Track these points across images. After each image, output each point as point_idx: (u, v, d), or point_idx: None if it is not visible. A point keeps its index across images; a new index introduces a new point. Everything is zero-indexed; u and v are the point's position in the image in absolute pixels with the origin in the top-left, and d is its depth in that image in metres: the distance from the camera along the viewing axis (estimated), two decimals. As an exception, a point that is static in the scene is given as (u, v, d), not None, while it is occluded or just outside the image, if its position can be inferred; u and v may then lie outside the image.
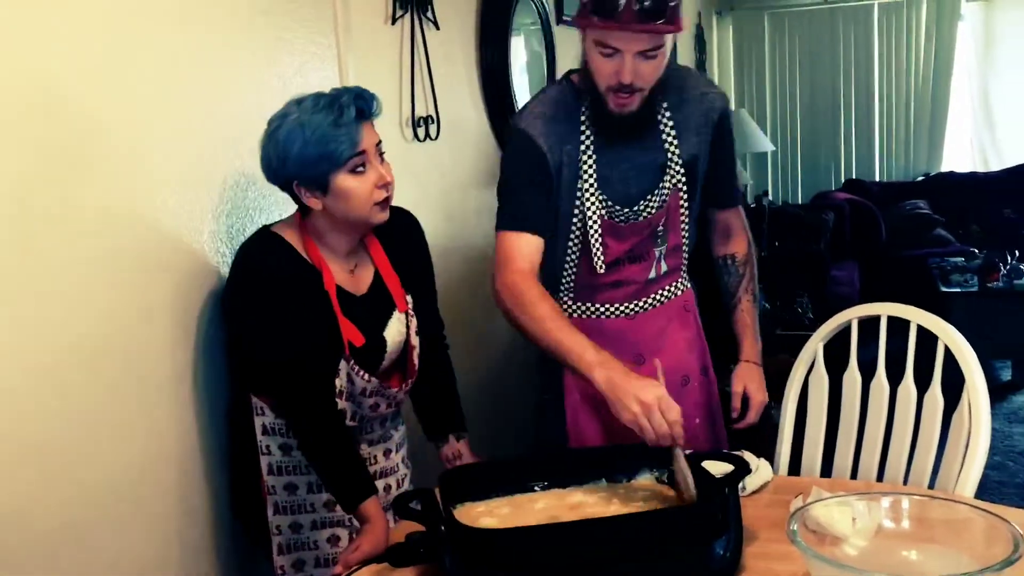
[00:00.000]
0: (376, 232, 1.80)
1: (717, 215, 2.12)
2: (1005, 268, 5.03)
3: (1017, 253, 5.14)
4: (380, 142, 1.69)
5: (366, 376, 1.74)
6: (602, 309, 2.01)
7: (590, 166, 1.88)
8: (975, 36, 6.97)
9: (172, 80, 1.71)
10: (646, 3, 1.67)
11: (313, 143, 1.59)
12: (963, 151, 7.15)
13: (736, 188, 2.14)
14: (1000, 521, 1.27)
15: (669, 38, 1.76)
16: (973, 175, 6.81)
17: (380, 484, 1.81)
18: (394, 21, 2.51)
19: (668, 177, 1.92)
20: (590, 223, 1.89)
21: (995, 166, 6.89)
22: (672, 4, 1.70)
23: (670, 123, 1.91)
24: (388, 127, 2.48)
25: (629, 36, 1.71)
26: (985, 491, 1.81)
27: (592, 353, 1.62)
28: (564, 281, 1.99)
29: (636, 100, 1.80)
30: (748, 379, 2.08)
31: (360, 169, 1.64)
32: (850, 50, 7.19)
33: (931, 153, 7.09)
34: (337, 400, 1.72)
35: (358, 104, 1.63)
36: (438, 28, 2.67)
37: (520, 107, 1.97)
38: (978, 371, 1.82)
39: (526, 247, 1.82)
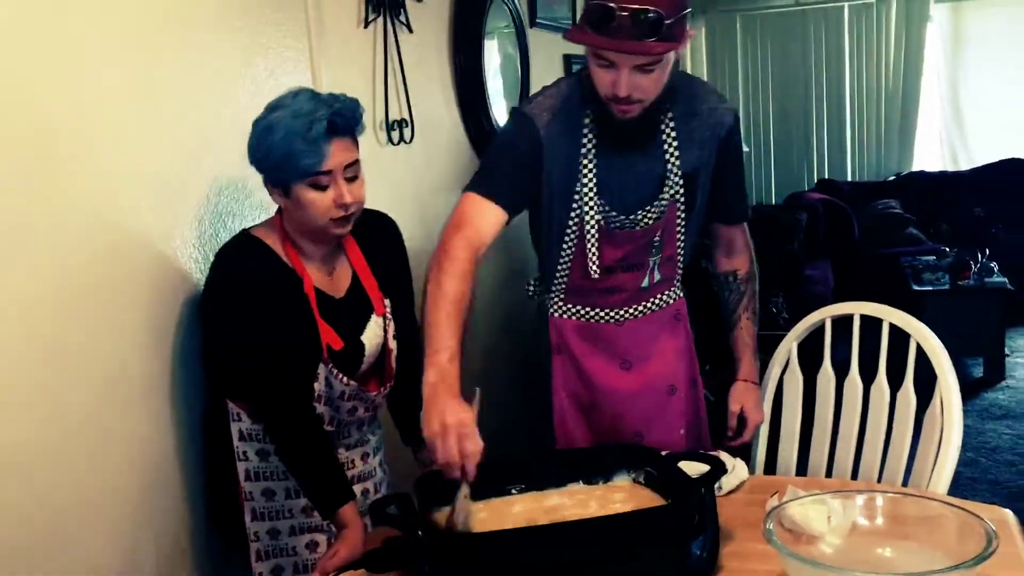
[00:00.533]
0: (354, 235, 1.79)
1: (721, 230, 2.10)
2: (976, 266, 5.09)
3: (988, 251, 5.20)
4: (355, 162, 1.67)
5: (345, 379, 1.74)
6: (592, 313, 2.00)
7: (590, 170, 1.86)
8: (944, 37, 7.06)
9: (144, 84, 1.69)
10: (643, 18, 1.63)
11: (279, 148, 1.59)
12: (933, 150, 7.24)
13: (743, 205, 2.12)
14: (973, 517, 1.28)
15: (671, 52, 1.72)
16: (943, 174, 6.90)
17: (358, 489, 1.80)
18: (367, 24, 2.50)
19: (667, 189, 1.90)
20: (587, 227, 1.88)
21: (964, 165, 6.98)
22: (668, 21, 1.65)
23: (673, 134, 1.88)
24: (364, 132, 2.47)
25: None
26: (958, 487, 1.83)
27: (445, 358, 1.52)
28: (556, 283, 1.99)
29: (637, 109, 1.78)
30: (745, 398, 2.07)
31: (321, 185, 1.63)
32: (821, 51, 7.26)
33: (902, 153, 7.18)
34: (315, 404, 1.71)
35: (334, 120, 1.61)
36: (411, 31, 2.67)
37: (530, 96, 1.95)
38: (950, 368, 1.84)
39: (487, 218, 1.78)
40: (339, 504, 1.62)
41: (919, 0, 6.95)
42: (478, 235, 1.76)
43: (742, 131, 7.24)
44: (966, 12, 6.99)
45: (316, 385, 1.70)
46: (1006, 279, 5.04)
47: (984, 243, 5.44)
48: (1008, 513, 1.58)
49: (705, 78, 7.44)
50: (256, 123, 1.64)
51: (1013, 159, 6.59)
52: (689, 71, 7.22)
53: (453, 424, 1.44)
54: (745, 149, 7.06)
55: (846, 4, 7.15)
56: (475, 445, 1.44)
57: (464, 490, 1.44)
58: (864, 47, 7.17)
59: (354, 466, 1.84)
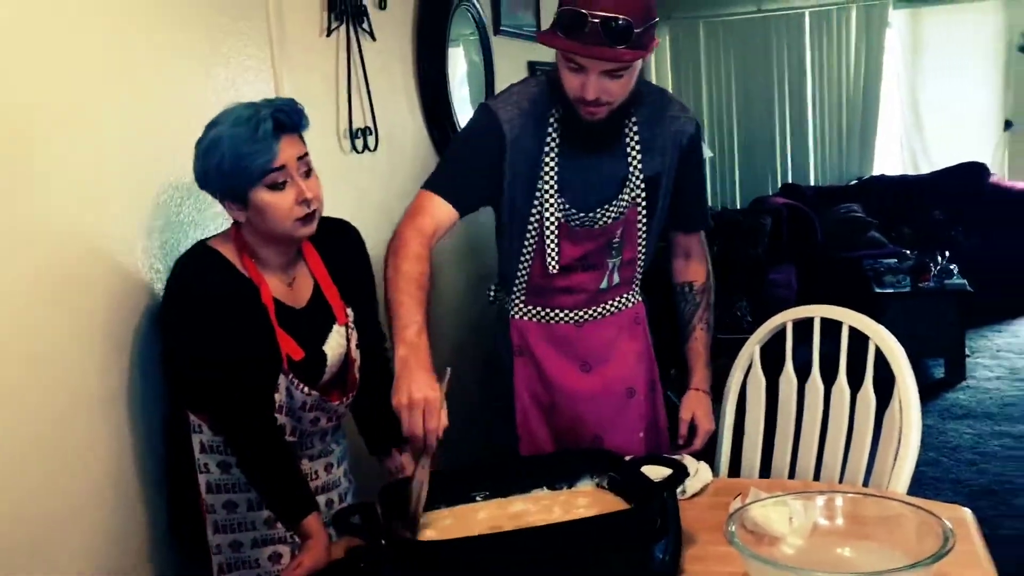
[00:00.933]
0: (315, 244, 1.79)
1: (678, 238, 2.15)
2: (935, 268, 5.16)
3: (948, 254, 5.28)
4: (305, 155, 1.67)
5: (306, 390, 1.73)
6: (552, 314, 2.03)
7: (552, 168, 1.90)
8: (903, 43, 7.18)
9: (103, 92, 1.68)
10: (614, 25, 1.67)
11: (229, 158, 1.58)
12: (894, 155, 7.36)
13: (703, 214, 2.16)
14: (931, 516, 1.30)
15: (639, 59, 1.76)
16: (904, 178, 7.00)
17: (322, 499, 1.79)
18: (329, 33, 2.49)
19: (627, 190, 1.94)
20: (547, 224, 1.91)
21: (924, 169, 7.09)
22: (638, 30, 1.70)
23: (636, 138, 1.93)
24: (325, 139, 2.47)
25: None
26: (921, 486, 1.86)
27: (413, 332, 1.59)
28: (517, 282, 2.01)
29: (604, 111, 1.82)
30: (697, 407, 2.11)
31: (279, 184, 1.62)
32: (783, 57, 7.35)
33: (863, 157, 7.28)
34: (277, 415, 1.70)
35: (277, 117, 1.60)
36: (374, 39, 2.66)
37: (494, 95, 2.00)
38: (908, 370, 1.87)
39: (439, 211, 1.84)
40: (302, 515, 1.61)
41: (878, 6, 7.07)
42: (432, 223, 1.82)
43: (706, 136, 7.31)
44: (924, 18, 7.11)
45: (277, 396, 1.69)
46: (965, 281, 5.10)
47: (944, 246, 5.52)
48: (966, 512, 1.60)
49: (670, 84, 7.53)
50: (198, 145, 1.62)
51: (971, 163, 6.70)
52: (654, 77, 7.28)
53: (420, 399, 1.50)
54: (710, 154, 7.12)
55: (807, 11, 7.24)
56: (439, 422, 1.51)
57: (424, 462, 1.49)
58: (825, 53, 7.27)
59: (318, 477, 1.83)
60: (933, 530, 1.27)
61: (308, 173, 1.68)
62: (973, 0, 6.94)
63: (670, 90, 7.47)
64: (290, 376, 1.70)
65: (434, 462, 1.52)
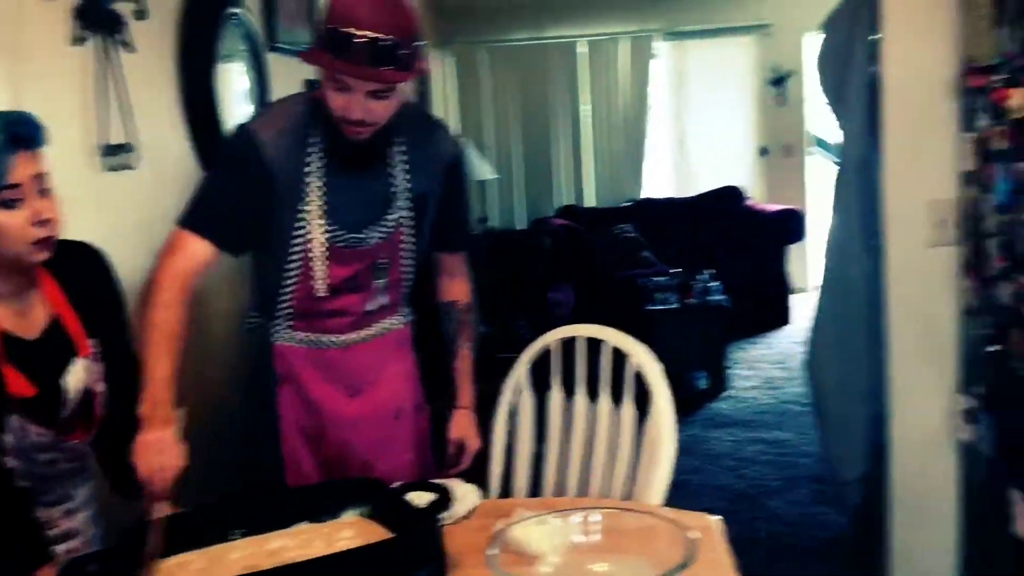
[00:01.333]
0: (52, 269, 1.64)
1: (443, 258, 2.17)
2: (698, 286, 5.49)
3: (711, 272, 5.63)
4: (43, 174, 1.55)
5: (39, 430, 1.58)
6: (318, 338, 1.98)
7: (319, 187, 1.86)
8: (670, 73, 7.65)
9: None
10: (380, 45, 1.67)
11: None
12: (663, 178, 7.83)
13: (465, 234, 2.20)
14: (678, 528, 1.37)
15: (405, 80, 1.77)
16: (671, 200, 7.44)
17: (62, 548, 1.64)
18: (79, 42, 2.33)
19: (394, 210, 1.94)
20: (314, 246, 1.87)
21: (690, 192, 7.56)
22: (404, 52, 1.70)
23: (404, 158, 1.93)
24: (75, 156, 2.30)
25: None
26: (686, 494, 1.95)
27: (157, 387, 1.69)
28: (280, 307, 1.95)
29: (368, 132, 1.81)
30: (465, 426, 2.13)
31: (11, 203, 1.49)
32: (561, 84, 7.64)
33: (634, 180, 7.69)
34: (6, 459, 1.54)
35: (12, 131, 1.48)
36: (132, 51, 2.51)
37: (256, 113, 1.95)
38: (662, 386, 1.97)
39: (198, 251, 1.82)
40: (32, 567, 1.46)
41: (645, 38, 7.50)
42: (190, 264, 1.81)
43: (490, 159, 7.43)
44: (689, 50, 7.63)
45: (6, 437, 1.54)
46: (726, 298, 5.47)
47: (708, 264, 5.89)
48: (713, 519, 1.69)
49: (456, 107, 7.63)
50: None
51: (728, 187, 7.23)
52: (439, 100, 7.35)
53: (153, 440, 1.63)
54: (495, 176, 7.29)
55: (581, 39, 7.57)
56: (171, 460, 1.64)
57: (159, 507, 1.53)
58: (599, 80, 7.63)
59: (57, 525, 1.66)
60: (681, 540, 1.34)
61: (45, 193, 1.55)
62: (730, 36, 7.52)
63: (456, 112, 7.58)
64: (19, 415, 1.55)
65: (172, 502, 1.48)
